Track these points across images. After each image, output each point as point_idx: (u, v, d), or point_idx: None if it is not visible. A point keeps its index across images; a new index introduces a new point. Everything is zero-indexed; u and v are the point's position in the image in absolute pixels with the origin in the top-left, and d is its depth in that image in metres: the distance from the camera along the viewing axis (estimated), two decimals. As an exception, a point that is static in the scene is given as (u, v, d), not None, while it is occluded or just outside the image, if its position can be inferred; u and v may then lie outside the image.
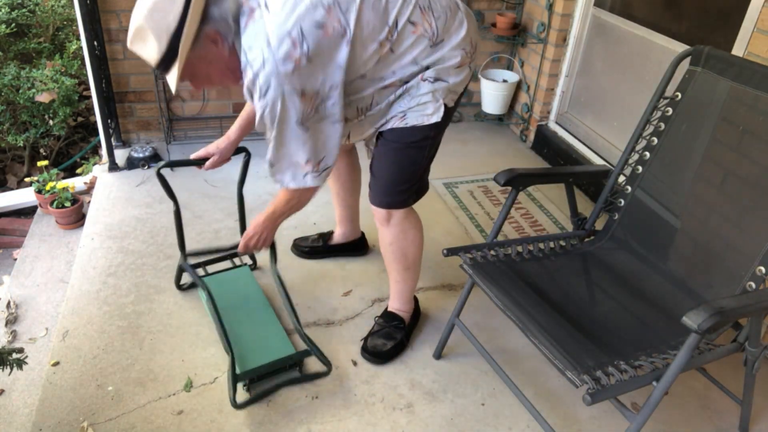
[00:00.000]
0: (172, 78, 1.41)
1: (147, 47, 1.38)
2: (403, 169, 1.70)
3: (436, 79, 1.58)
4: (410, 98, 1.60)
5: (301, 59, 1.35)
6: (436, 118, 1.61)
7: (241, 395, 1.70)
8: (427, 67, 1.57)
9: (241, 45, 1.39)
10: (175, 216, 1.95)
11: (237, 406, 1.67)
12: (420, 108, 1.60)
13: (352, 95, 1.57)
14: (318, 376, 1.79)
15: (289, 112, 1.42)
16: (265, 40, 1.34)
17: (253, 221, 1.77)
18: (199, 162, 1.87)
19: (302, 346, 1.82)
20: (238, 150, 1.92)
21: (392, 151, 1.68)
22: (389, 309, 1.96)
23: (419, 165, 1.71)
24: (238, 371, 1.69)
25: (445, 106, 1.61)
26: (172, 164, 1.90)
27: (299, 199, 1.67)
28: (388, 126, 1.65)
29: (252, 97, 1.43)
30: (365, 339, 1.91)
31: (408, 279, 1.89)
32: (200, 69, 1.46)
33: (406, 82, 1.58)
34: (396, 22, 1.48)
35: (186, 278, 2.12)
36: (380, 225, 1.79)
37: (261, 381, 1.75)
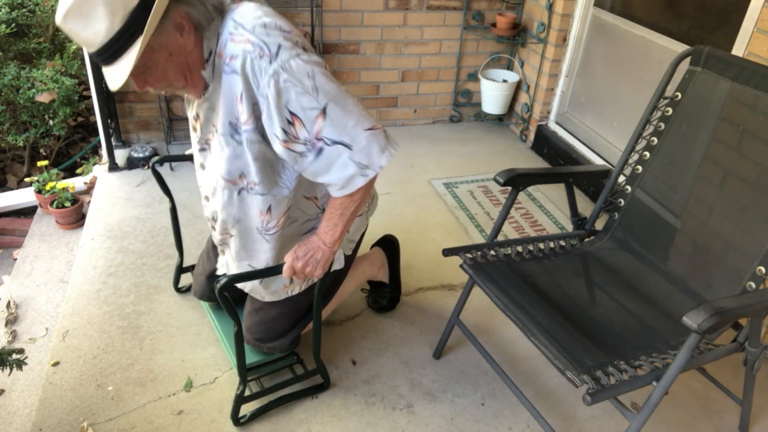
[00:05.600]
0: (120, 69, 1.11)
1: (91, 25, 1.07)
2: (291, 312, 1.67)
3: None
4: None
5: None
6: (339, 265, 1.64)
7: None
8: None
9: (238, 28, 1.20)
10: (171, 214, 1.94)
11: (238, 423, 1.65)
12: None
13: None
14: (319, 388, 1.77)
15: (325, 76, 1.23)
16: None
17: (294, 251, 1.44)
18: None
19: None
20: None
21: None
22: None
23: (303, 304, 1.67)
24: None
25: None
26: (167, 159, 1.87)
27: (366, 191, 1.34)
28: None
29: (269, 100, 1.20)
30: (368, 299, 2.12)
31: (368, 277, 1.99)
32: (159, 60, 1.17)
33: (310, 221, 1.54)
34: None
35: (184, 281, 2.12)
36: None
37: (261, 379, 1.74)
